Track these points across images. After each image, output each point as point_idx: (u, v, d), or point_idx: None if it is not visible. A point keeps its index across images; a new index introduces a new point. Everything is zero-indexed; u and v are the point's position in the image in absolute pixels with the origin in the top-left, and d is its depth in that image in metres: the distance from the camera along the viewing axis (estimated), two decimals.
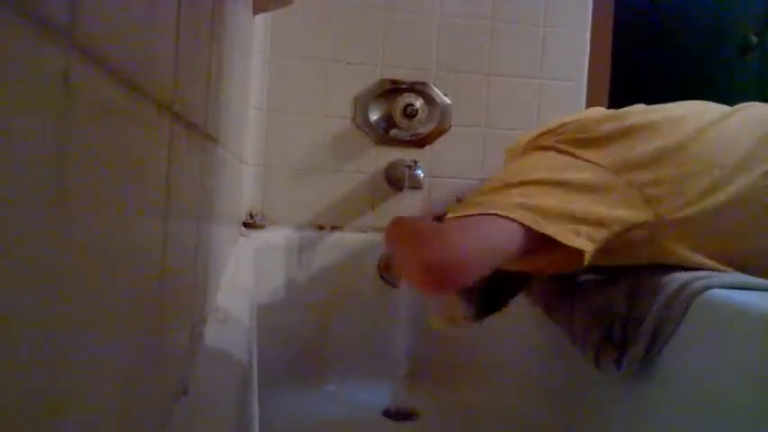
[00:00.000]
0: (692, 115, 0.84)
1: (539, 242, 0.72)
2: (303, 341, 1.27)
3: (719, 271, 0.78)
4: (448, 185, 1.36)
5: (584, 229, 0.73)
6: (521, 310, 1.07)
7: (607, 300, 0.85)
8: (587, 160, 0.79)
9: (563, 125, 0.88)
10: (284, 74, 1.31)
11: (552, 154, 0.83)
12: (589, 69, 1.41)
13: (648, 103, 0.92)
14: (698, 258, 0.79)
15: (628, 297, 0.81)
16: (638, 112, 0.87)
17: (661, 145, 0.79)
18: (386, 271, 1.29)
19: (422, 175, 1.30)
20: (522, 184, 0.77)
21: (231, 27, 0.64)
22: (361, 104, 1.33)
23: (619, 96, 1.33)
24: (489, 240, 0.70)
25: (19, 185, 0.14)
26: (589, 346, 0.86)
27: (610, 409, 0.89)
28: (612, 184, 0.77)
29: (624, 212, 0.76)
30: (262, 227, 1.29)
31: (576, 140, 0.82)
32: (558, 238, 0.71)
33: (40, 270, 0.16)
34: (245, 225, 1.28)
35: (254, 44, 1.23)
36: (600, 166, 0.79)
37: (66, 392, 0.19)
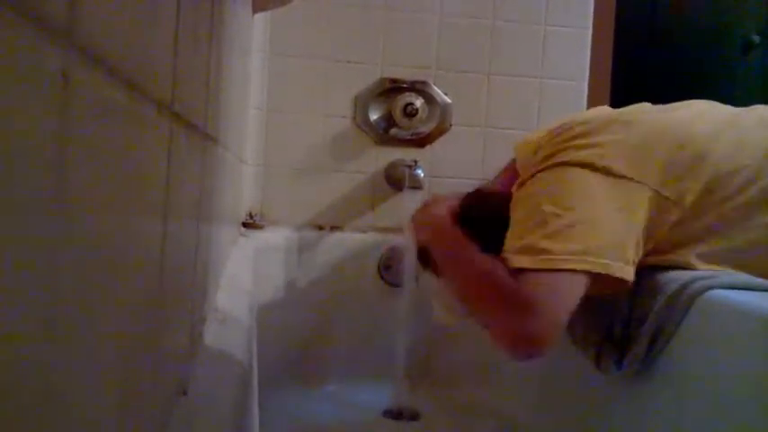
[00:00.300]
0: (699, 116, 0.84)
1: (596, 278, 0.75)
2: (303, 341, 1.27)
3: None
4: (448, 185, 1.35)
5: (631, 255, 0.75)
6: None
7: (608, 300, 0.85)
8: (623, 176, 0.78)
9: (575, 125, 0.87)
10: (284, 73, 1.31)
11: (584, 174, 0.79)
12: (590, 68, 1.41)
13: (651, 102, 0.92)
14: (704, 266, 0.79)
15: (628, 297, 0.81)
16: (647, 115, 0.86)
17: (689, 152, 0.79)
18: (387, 270, 1.29)
19: (422, 174, 1.30)
20: (573, 224, 0.75)
21: (230, 26, 0.64)
22: (361, 104, 1.33)
23: (620, 96, 1.33)
24: (573, 300, 0.73)
25: (19, 185, 0.14)
26: (590, 346, 0.86)
27: (610, 408, 0.89)
28: (646, 197, 0.77)
29: (659, 224, 0.78)
30: (261, 227, 1.29)
31: (602, 154, 0.80)
32: (618, 275, 0.74)
33: (39, 270, 0.16)
34: (245, 225, 1.28)
35: (253, 43, 1.23)
36: (635, 181, 0.78)
37: (65, 392, 0.18)
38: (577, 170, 0.79)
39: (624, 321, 0.81)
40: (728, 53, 1.79)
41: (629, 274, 0.75)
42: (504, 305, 0.75)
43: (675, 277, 0.76)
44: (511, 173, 1.01)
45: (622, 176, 0.78)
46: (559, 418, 1.06)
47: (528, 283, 0.73)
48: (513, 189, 0.87)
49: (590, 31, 1.41)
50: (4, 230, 0.14)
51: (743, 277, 0.75)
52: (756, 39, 1.75)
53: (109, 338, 0.23)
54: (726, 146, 0.80)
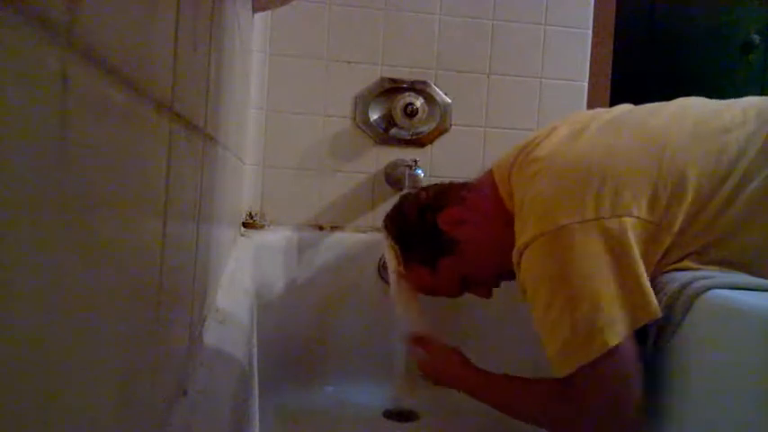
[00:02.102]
0: (675, 124, 0.82)
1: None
2: (303, 341, 1.27)
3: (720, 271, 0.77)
4: None
5: (648, 290, 0.74)
6: (521, 310, 1.06)
7: None
8: (599, 218, 0.76)
9: (534, 148, 0.86)
10: (284, 73, 1.31)
11: (569, 239, 0.76)
12: (590, 68, 1.41)
13: (650, 101, 0.92)
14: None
15: None
16: (620, 141, 0.83)
17: (667, 177, 0.77)
18: (386, 270, 1.29)
19: (422, 174, 1.30)
20: (589, 304, 0.74)
21: (230, 26, 0.64)
22: (361, 104, 1.33)
23: (620, 95, 1.33)
24: (630, 364, 0.73)
25: (18, 185, 0.14)
26: None
27: None
28: (631, 226, 0.76)
29: (654, 250, 0.77)
30: (261, 227, 1.29)
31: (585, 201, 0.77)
32: (650, 318, 0.74)
33: (39, 270, 0.16)
34: (245, 225, 1.28)
35: (253, 43, 1.23)
36: (615, 217, 0.76)
37: (65, 393, 0.18)
38: (559, 238, 0.76)
39: None
40: (728, 53, 1.79)
41: (656, 311, 0.73)
42: (578, 422, 0.77)
43: (675, 277, 0.76)
44: (489, 180, 0.97)
45: (599, 218, 0.75)
46: None
47: (580, 387, 0.74)
48: (514, 253, 0.82)
49: (590, 31, 1.41)
50: (3, 230, 0.14)
51: (743, 277, 0.75)
52: (756, 39, 1.76)
53: (109, 338, 0.23)
54: (705, 158, 0.78)
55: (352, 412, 1.18)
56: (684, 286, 0.74)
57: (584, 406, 0.75)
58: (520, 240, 0.81)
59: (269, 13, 1.25)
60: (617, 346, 0.71)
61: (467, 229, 0.94)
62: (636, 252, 0.74)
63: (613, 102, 1.44)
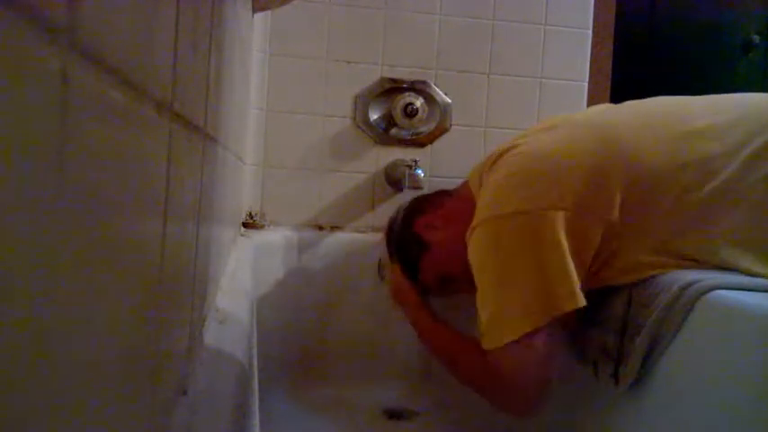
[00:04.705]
0: (642, 127, 0.85)
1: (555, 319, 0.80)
2: (303, 341, 1.27)
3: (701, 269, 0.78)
4: (448, 185, 1.35)
5: (573, 281, 0.78)
6: None
7: (604, 306, 0.84)
8: (526, 212, 0.81)
9: (496, 167, 0.90)
10: (284, 73, 1.31)
11: (498, 227, 0.83)
12: (590, 68, 1.41)
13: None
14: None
15: (625, 303, 0.81)
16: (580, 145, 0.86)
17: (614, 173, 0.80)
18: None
19: (422, 174, 1.30)
20: (509, 288, 0.80)
21: (230, 26, 0.63)
22: (361, 104, 1.33)
23: (620, 95, 1.33)
24: (547, 351, 0.80)
25: (18, 185, 0.14)
26: (588, 359, 0.86)
27: (611, 408, 0.89)
28: (561, 221, 0.79)
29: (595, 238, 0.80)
30: (261, 227, 1.29)
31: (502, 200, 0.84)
32: (570, 309, 0.78)
33: (38, 270, 0.16)
34: (245, 225, 1.28)
35: (253, 43, 1.23)
36: (543, 210, 0.80)
37: (64, 393, 0.18)
38: (495, 226, 0.83)
39: (620, 330, 0.80)
40: (728, 53, 1.79)
41: (578, 301, 0.78)
42: (489, 390, 0.86)
43: (675, 279, 0.76)
44: (467, 183, 1.05)
45: (526, 212, 0.80)
46: (560, 418, 1.06)
47: (496, 361, 0.82)
48: (467, 235, 0.89)
49: (590, 31, 1.41)
50: (3, 230, 0.14)
51: (744, 278, 0.74)
52: (756, 39, 1.76)
53: (109, 338, 0.23)
54: (663, 151, 0.80)
55: (352, 412, 1.18)
56: (686, 287, 0.74)
57: (497, 379, 0.82)
58: (473, 222, 0.87)
59: (269, 13, 1.25)
60: (531, 333, 0.77)
61: (437, 232, 1.03)
62: (562, 244, 0.78)
63: (613, 102, 1.44)
